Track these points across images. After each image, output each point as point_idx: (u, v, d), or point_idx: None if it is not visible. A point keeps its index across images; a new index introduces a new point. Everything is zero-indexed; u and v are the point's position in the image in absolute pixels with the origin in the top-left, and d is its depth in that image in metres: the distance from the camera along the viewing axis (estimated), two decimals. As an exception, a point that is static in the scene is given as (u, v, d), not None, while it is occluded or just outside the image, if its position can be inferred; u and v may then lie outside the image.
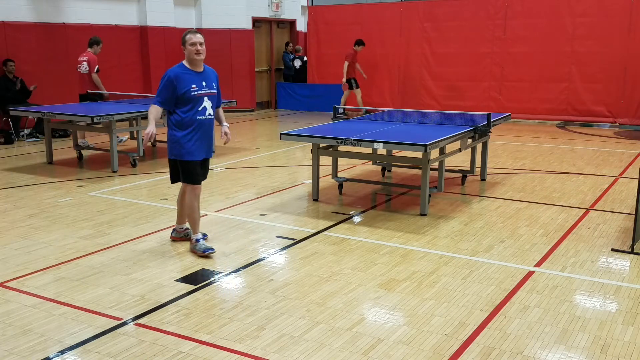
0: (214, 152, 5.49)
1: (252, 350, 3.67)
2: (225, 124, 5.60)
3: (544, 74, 13.67)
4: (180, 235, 5.73)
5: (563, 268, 5.01)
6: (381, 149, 7.02)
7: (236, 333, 3.89)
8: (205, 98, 5.24)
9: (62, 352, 3.67)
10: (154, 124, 5.18)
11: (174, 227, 5.81)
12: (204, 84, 5.25)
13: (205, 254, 5.30)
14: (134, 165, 9.18)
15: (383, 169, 8.73)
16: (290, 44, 18.63)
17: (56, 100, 12.03)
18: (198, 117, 5.20)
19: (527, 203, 7.08)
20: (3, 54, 12.08)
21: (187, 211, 5.47)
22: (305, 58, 17.96)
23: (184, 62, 5.27)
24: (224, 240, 5.78)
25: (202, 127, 5.25)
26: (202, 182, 5.53)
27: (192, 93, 5.15)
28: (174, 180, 5.48)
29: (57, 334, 3.87)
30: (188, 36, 5.21)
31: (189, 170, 5.28)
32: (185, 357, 3.60)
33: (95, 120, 8.42)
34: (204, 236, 5.52)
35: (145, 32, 14.91)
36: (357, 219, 6.52)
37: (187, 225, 5.67)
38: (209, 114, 5.31)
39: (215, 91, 5.40)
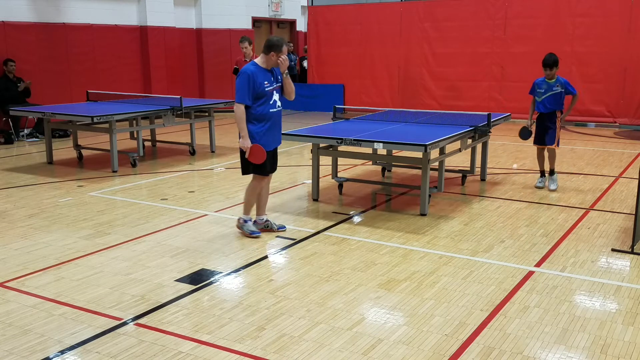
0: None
1: (252, 350, 3.67)
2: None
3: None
4: (260, 227, 5.96)
5: (563, 268, 5.01)
6: (381, 149, 7.02)
7: (236, 333, 3.89)
8: (275, 92, 5.64)
9: (62, 352, 3.67)
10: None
11: (254, 219, 6.00)
12: (273, 79, 5.63)
13: (252, 235, 5.80)
14: (134, 165, 9.19)
15: (383, 169, 8.73)
16: (291, 44, 18.63)
17: (56, 100, 12.04)
18: (270, 110, 5.59)
19: (527, 203, 7.08)
20: (3, 54, 12.09)
21: (246, 194, 5.86)
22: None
23: (258, 61, 5.60)
24: (224, 240, 5.78)
25: (272, 119, 5.62)
26: (252, 175, 5.85)
27: (266, 89, 5.53)
28: (245, 172, 5.79)
29: (57, 334, 3.87)
30: (284, 47, 5.56)
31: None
32: (185, 357, 3.60)
33: (95, 120, 8.42)
34: (258, 220, 5.96)
35: (145, 32, 14.92)
36: (357, 219, 6.52)
37: (266, 217, 6.03)
38: (279, 106, 5.71)
39: (281, 84, 5.77)
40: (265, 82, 5.52)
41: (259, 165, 5.63)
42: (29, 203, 7.12)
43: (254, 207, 5.98)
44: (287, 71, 5.69)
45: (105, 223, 6.30)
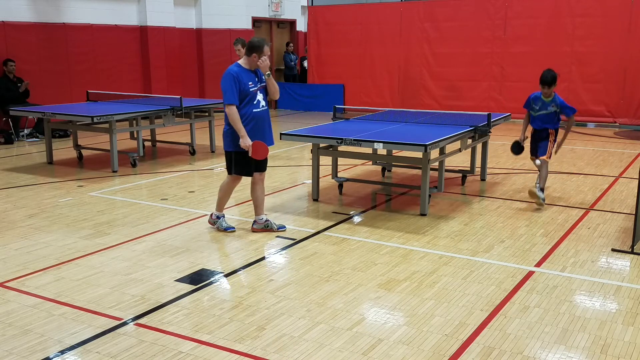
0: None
1: (252, 350, 3.67)
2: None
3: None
4: (260, 227, 5.95)
5: (563, 268, 5.01)
6: (381, 149, 7.02)
7: (236, 333, 3.89)
8: (259, 92, 5.68)
9: (62, 352, 3.67)
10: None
11: (254, 219, 6.02)
12: (257, 79, 5.69)
13: (227, 231, 5.90)
14: (134, 165, 9.19)
15: (383, 169, 8.73)
16: (291, 44, 18.63)
17: (56, 100, 12.03)
18: (253, 110, 5.62)
19: (527, 203, 7.08)
20: (3, 54, 12.09)
21: (220, 191, 5.95)
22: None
23: (241, 62, 5.66)
24: (224, 240, 5.78)
25: (256, 119, 5.65)
26: (231, 175, 5.86)
27: (250, 89, 5.59)
28: (229, 172, 5.84)
29: (57, 334, 3.87)
30: (266, 48, 5.59)
31: (238, 160, 5.68)
32: (185, 357, 3.60)
33: (95, 120, 8.42)
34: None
35: (145, 32, 14.91)
36: (357, 219, 6.52)
37: (266, 216, 6.00)
38: (263, 106, 5.72)
39: (265, 84, 5.80)
40: (250, 83, 5.58)
41: (244, 166, 5.69)
42: (29, 203, 7.12)
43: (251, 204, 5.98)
44: (269, 72, 5.73)
45: (105, 223, 6.30)
